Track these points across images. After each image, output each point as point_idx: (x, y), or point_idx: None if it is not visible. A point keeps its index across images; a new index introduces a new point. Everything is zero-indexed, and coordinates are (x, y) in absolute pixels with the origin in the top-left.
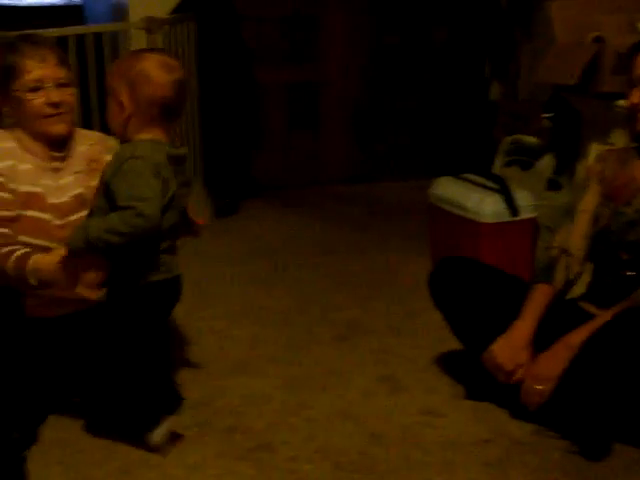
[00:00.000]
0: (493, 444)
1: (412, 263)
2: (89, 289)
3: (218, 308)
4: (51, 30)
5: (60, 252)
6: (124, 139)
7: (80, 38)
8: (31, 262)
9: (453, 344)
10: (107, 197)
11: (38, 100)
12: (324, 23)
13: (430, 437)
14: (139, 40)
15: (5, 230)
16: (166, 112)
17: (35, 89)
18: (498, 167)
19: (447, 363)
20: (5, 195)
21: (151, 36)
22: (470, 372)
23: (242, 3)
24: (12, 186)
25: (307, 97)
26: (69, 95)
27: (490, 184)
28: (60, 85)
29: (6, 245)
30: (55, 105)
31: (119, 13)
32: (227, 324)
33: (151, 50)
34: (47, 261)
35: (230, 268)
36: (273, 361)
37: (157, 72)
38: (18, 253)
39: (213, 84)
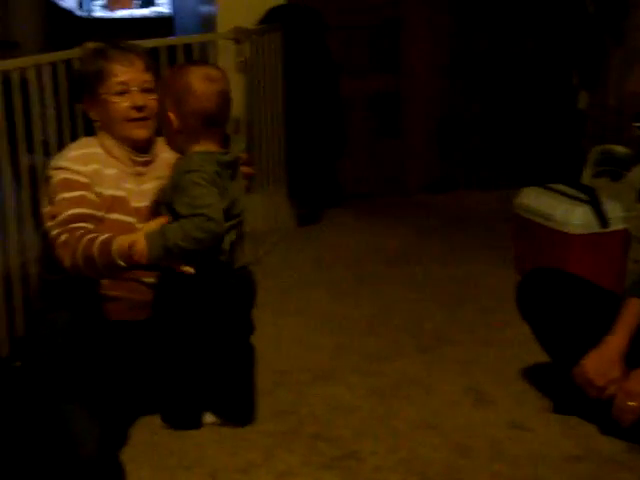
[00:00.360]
0: (584, 460)
1: (496, 274)
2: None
3: (301, 316)
4: (143, 41)
5: (147, 228)
6: (179, 152)
7: (171, 49)
8: (116, 243)
9: (540, 357)
10: (171, 211)
11: (123, 104)
12: (408, 33)
13: (518, 451)
14: (227, 50)
15: (90, 225)
16: (209, 122)
17: (121, 93)
18: (587, 178)
19: (534, 376)
20: (93, 197)
21: (239, 46)
22: (558, 386)
23: (328, 13)
24: (98, 189)
25: (391, 106)
26: (153, 100)
27: (579, 195)
28: (145, 90)
29: (88, 233)
30: (139, 108)
31: (208, 24)
32: (310, 332)
33: (194, 63)
34: (133, 238)
35: (313, 276)
36: (357, 370)
37: (199, 84)
38: (102, 238)
39: (299, 94)
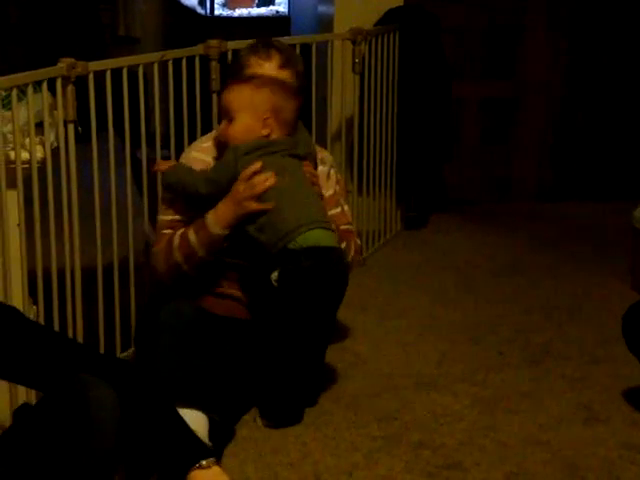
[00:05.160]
0: None
1: (609, 288)
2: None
3: (405, 320)
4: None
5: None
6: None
7: None
8: (190, 231)
9: None
10: None
11: None
12: (524, 39)
13: (632, 474)
14: (344, 50)
15: (169, 231)
16: None
17: None
18: None
19: None
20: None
21: (356, 47)
22: None
23: (444, 15)
24: None
25: (503, 113)
26: None
27: None
28: None
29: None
30: None
31: (325, 24)
32: (414, 337)
33: (244, 78)
34: (210, 216)
35: (418, 280)
36: (462, 379)
37: None
38: (176, 235)
39: (412, 96)
